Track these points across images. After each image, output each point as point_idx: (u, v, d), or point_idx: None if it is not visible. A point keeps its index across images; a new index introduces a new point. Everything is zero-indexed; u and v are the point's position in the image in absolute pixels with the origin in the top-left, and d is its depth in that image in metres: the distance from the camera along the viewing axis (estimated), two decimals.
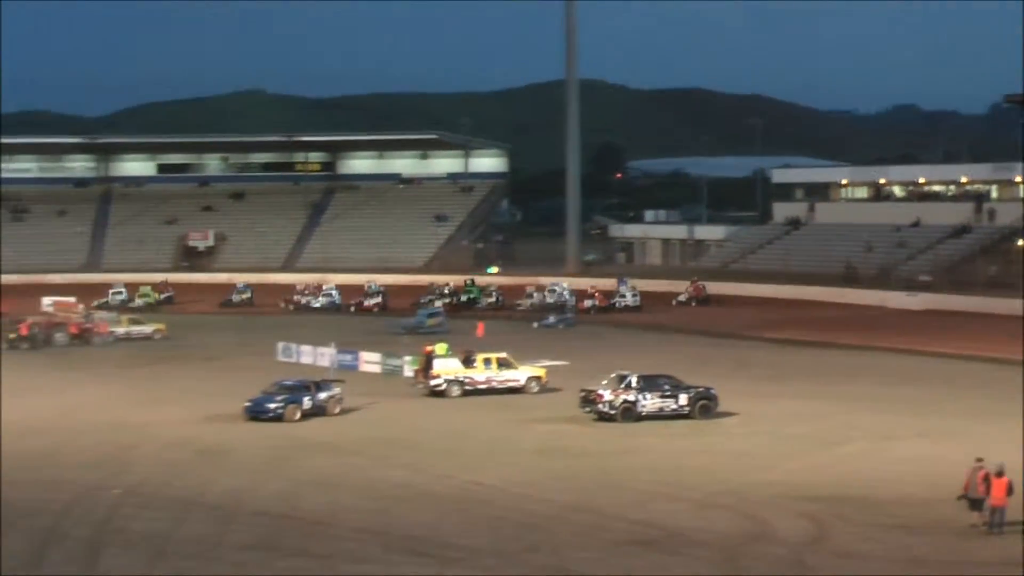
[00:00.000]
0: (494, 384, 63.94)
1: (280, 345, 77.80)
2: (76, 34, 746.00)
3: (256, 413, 56.98)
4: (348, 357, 74.31)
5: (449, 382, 63.46)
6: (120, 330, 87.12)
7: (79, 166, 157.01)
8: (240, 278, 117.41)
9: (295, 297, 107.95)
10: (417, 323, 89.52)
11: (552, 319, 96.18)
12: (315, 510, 40.84)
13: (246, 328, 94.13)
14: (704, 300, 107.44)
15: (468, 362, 64.73)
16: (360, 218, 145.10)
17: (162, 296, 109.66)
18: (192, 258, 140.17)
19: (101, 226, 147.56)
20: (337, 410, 58.58)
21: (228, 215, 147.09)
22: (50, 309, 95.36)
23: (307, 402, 58.06)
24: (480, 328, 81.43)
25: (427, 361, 65.40)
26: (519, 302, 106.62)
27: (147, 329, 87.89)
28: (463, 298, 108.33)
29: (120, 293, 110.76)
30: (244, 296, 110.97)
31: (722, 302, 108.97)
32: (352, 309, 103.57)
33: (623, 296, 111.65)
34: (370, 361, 74.13)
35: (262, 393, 58.17)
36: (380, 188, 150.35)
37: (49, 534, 37.51)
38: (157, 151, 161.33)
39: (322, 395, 58.88)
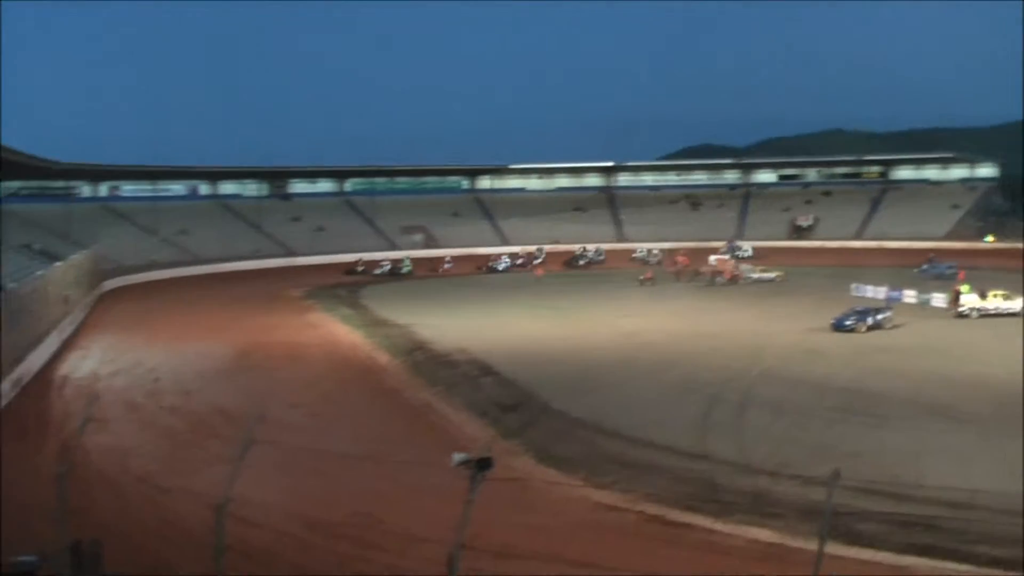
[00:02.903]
0: (1000, 311, 73.23)
1: (853, 285, 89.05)
2: None
3: (838, 327, 67.75)
4: (896, 293, 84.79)
5: (970, 309, 74.10)
6: (754, 275, 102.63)
7: None
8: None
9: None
10: (939, 272, 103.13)
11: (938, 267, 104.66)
12: (875, 388, 47.78)
13: (839, 276, 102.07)
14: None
15: (982, 295, 74.76)
16: None
17: None
18: None
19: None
20: (889, 326, 68.48)
21: None
22: (714, 262, 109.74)
23: (870, 320, 68.33)
24: (960, 275, 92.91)
25: (955, 296, 76.92)
26: None
27: (771, 275, 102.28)
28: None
29: (744, 250, 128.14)
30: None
31: None
32: None
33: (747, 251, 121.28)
34: (910, 295, 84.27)
35: (841, 314, 69.65)
36: None
37: (713, 400, 46.02)
38: None
39: (880, 316, 69.16)
